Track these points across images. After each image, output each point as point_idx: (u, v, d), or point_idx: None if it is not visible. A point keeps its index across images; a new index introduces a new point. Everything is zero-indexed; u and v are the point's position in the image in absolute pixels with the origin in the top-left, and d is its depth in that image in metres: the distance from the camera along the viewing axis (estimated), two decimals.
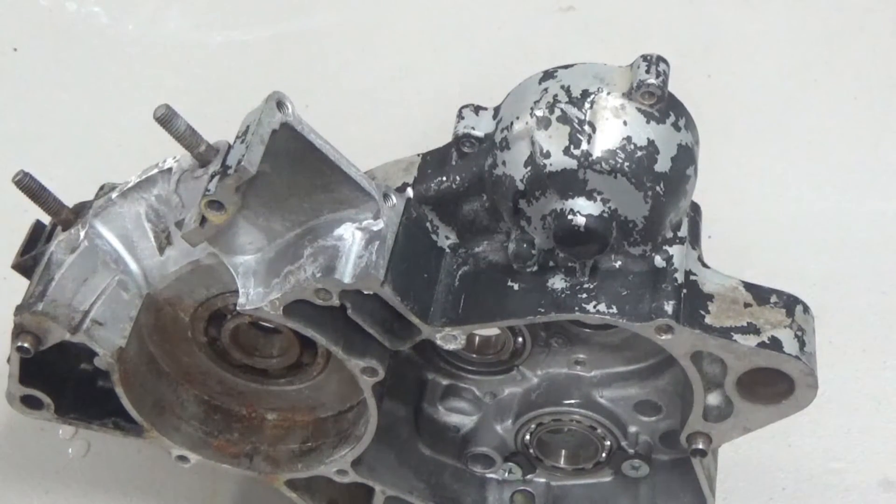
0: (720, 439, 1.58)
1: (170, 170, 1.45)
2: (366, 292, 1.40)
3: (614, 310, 1.42)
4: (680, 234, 1.48)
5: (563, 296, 1.44)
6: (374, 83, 2.60)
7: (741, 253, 2.16)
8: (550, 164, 1.39)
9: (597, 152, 1.38)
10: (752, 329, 1.44)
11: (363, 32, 2.72)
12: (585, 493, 1.77)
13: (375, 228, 1.40)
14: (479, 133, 1.47)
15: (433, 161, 1.52)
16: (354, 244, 1.39)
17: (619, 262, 1.45)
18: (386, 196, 1.42)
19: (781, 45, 2.68)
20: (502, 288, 1.47)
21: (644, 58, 1.41)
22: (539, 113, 1.41)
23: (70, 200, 1.53)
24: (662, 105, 1.41)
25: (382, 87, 2.59)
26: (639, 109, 1.40)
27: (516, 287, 1.47)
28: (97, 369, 1.56)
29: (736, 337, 1.43)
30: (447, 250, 1.51)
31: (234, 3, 2.79)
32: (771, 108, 2.53)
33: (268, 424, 1.70)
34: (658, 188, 1.40)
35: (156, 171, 1.46)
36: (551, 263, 1.46)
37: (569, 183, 1.39)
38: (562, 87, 1.42)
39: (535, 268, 1.46)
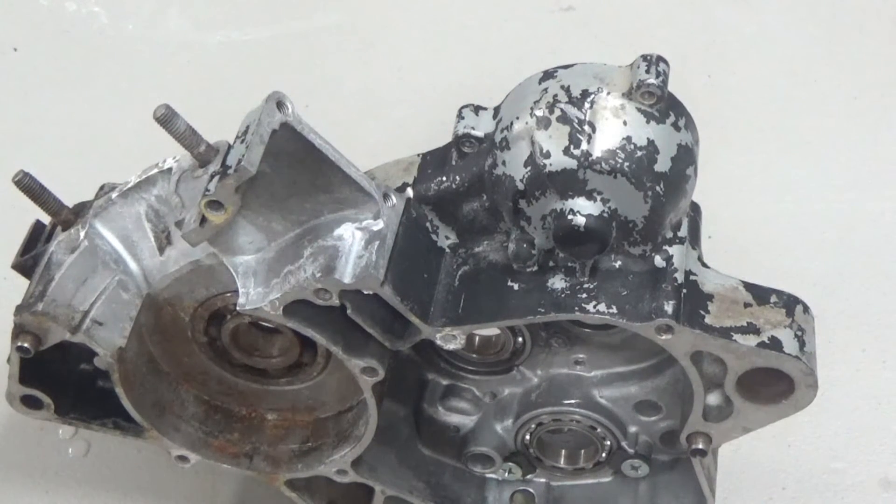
0: (720, 439, 1.58)
1: (170, 170, 1.45)
2: (366, 292, 1.40)
3: (614, 310, 1.42)
4: (680, 234, 1.48)
5: (563, 296, 1.44)
6: (374, 83, 2.60)
7: (741, 253, 2.16)
8: (550, 164, 1.39)
9: (597, 152, 1.38)
10: (752, 329, 1.44)
11: (363, 32, 2.72)
12: (585, 493, 1.77)
13: (375, 228, 1.40)
14: (479, 133, 1.47)
15: (433, 161, 1.52)
16: (354, 244, 1.39)
17: (619, 262, 1.45)
18: (386, 196, 1.42)
19: (781, 45, 2.68)
20: (502, 288, 1.47)
21: (644, 58, 1.41)
22: (539, 113, 1.41)
23: (70, 200, 1.53)
24: (662, 105, 1.41)
25: (382, 87, 2.59)
26: (639, 109, 1.40)
27: (516, 287, 1.47)
28: (97, 369, 1.56)
29: (736, 337, 1.43)
30: (447, 250, 1.51)
31: (234, 3, 2.79)
32: (771, 108, 2.53)
33: (268, 424, 1.70)
34: (658, 188, 1.40)
35: (156, 171, 1.46)
36: (551, 263, 1.46)
37: (569, 183, 1.39)
38: (562, 87, 1.42)
39: (535, 268, 1.46)
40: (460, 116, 1.49)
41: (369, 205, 1.40)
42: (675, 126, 1.42)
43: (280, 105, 1.32)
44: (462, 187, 1.48)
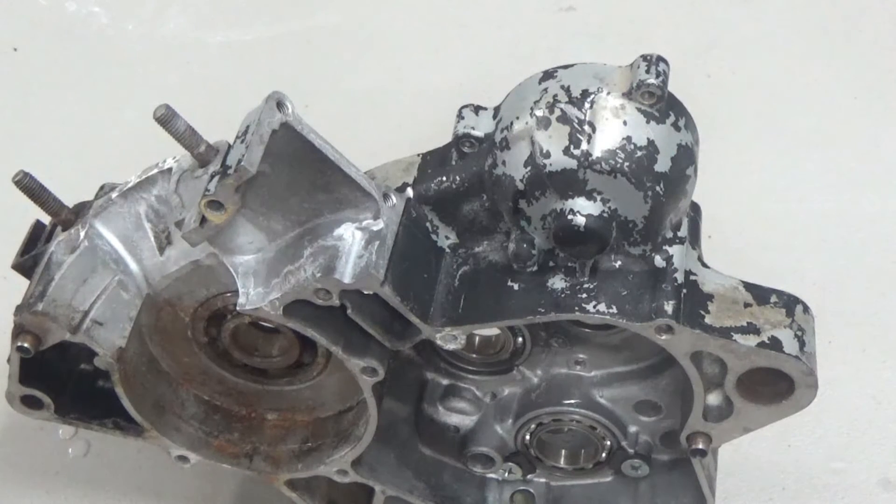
0: (720, 439, 1.58)
1: (170, 170, 1.45)
2: (366, 292, 1.40)
3: (614, 310, 1.42)
4: (680, 234, 1.48)
5: (563, 296, 1.44)
6: (374, 83, 2.60)
7: (741, 253, 2.16)
8: (550, 164, 1.39)
9: (597, 152, 1.38)
10: (752, 329, 1.44)
11: (363, 32, 2.72)
12: (585, 493, 1.77)
13: (375, 228, 1.40)
14: (479, 133, 1.47)
15: (433, 161, 1.52)
16: (354, 244, 1.39)
17: (619, 262, 1.45)
18: (386, 196, 1.42)
19: (781, 45, 2.68)
20: (502, 288, 1.47)
21: (644, 58, 1.41)
22: (539, 113, 1.41)
23: (70, 200, 1.53)
24: (662, 105, 1.41)
25: (382, 87, 2.59)
26: (639, 109, 1.40)
27: (516, 287, 1.47)
28: (97, 369, 1.56)
29: (736, 337, 1.43)
30: (447, 250, 1.51)
31: (234, 3, 2.79)
32: (771, 108, 2.53)
33: (268, 424, 1.70)
34: (658, 188, 1.40)
35: (156, 171, 1.46)
36: (551, 263, 1.46)
37: (569, 183, 1.39)
38: (562, 87, 1.42)
39: (535, 268, 1.46)
40: (460, 116, 1.49)
41: (369, 205, 1.40)
42: (675, 126, 1.42)
43: (280, 105, 1.32)
44: (462, 187, 1.48)
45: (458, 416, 1.74)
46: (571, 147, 1.38)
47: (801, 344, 1.44)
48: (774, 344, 1.43)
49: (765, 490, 1.93)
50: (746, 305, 1.46)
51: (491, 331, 1.64)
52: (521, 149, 1.41)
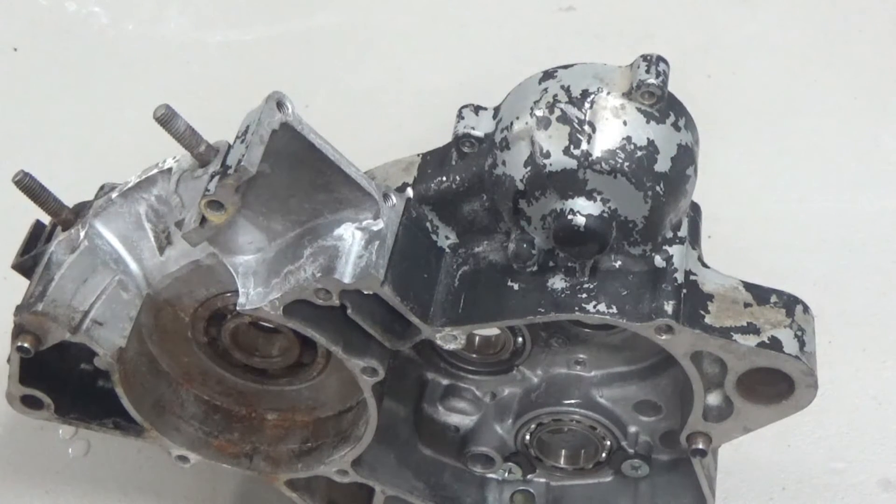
0: (720, 439, 1.58)
1: (170, 170, 1.45)
2: (366, 292, 1.40)
3: (614, 310, 1.42)
4: (680, 234, 1.48)
5: (562, 296, 1.44)
6: (374, 83, 2.60)
7: (741, 253, 2.16)
8: (550, 164, 1.39)
9: (597, 152, 1.38)
10: (752, 329, 1.44)
11: (363, 32, 2.73)
12: (585, 493, 1.77)
13: (375, 228, 1.40)
14: (478, 133, 1.47)
15: (433, 161, 1.52)
16: (354, 244, 1.39)
17: (619, 262, 1.45)
18: (386, 196, 1.42)
19: (781, 45, 2.69)
20: (502, 288, 1.47)
21: (644, 58, 1.41)
22: (539, 113, 1.41)
23: (70, 200, 1.53)
24: (662, 105, 1.41)
25: (382, 87, 2.59)
26: (639, 109, 1.40)
27: (516, 287, 1.47)
28: (97, 369, 1.56)
29: (736, 337, 1.43)
30: (447, 250, 1.51)
31: (234, 3, 2.79)
32: (771, 108, 2.53)
33: (268, 424, 1.70)
34: (658, 188, 1.40)
35: (156, 171, 1.46)
36: (551, 263, 1.46)
37: (569, 183, 1.39)
38: (562, 87, 1.42)
39: (535, 268, 1.46)
40: (460, 116, 1.49)
41: (369, 205, 1.40)
42: (675, 126, 1.42)
43: (280, 105, 1.32)
44: (462, 187, 1.48)
45: (458, 416, 1.74)
46: (571, 147, 1.39)
47: (801, 344, 1.44)
48: (774, 344, 1.43)
49: (765, 490, 1.93)
50: (746, 305, 1.46)
51: (491, 331, 1.64)
52: (521, 149, 1.41)
